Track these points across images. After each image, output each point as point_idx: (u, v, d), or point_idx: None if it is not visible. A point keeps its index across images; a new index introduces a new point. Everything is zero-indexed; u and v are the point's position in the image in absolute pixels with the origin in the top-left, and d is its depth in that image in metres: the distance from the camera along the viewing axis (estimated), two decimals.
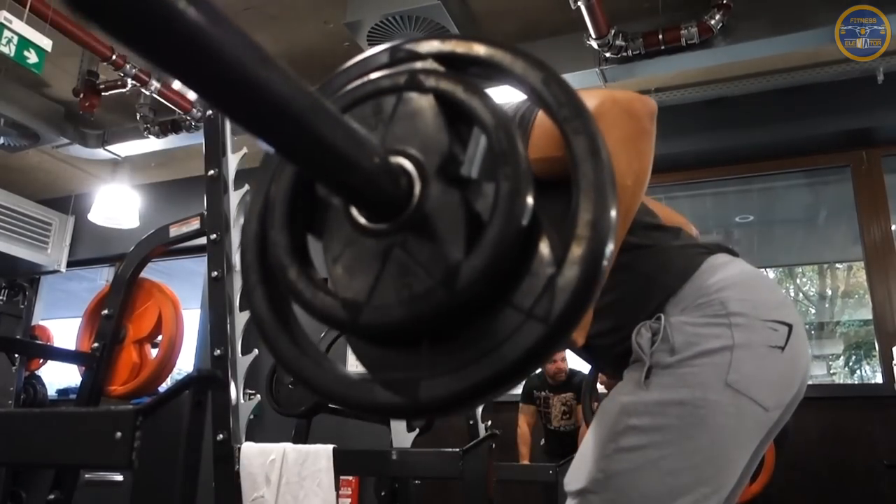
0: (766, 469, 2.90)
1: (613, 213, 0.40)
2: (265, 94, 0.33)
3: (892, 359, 3.32)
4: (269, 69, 0.33)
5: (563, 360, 4.08)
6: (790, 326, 1.05)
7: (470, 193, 0.41)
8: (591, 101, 0.99)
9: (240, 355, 1.90)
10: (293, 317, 0.47)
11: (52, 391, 5.06)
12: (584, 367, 4.17)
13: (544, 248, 0.41)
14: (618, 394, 1.07)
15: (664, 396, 1.00)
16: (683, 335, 1.02)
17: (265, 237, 0.46)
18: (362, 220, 0.43)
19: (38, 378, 4.78)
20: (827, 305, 7.29)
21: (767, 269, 6.82)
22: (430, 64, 0.46)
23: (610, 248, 0.39)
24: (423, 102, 0.43)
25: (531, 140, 1.07)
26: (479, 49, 0.45)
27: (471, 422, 3.34)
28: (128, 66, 3.54)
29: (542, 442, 4.19)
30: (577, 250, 0.39)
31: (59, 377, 5.49)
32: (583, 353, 1.23)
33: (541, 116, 1.06)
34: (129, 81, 3.61)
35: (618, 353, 1.12)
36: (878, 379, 3.78)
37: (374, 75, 0.47)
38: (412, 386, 0.40)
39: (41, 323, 5.64)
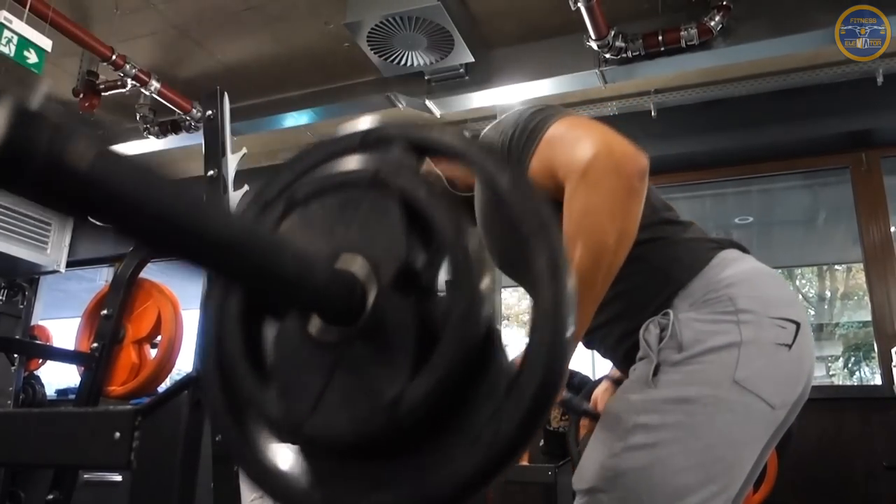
0: (769, 478, 2.87)
1: (568, 337, 0.39)
2: (202, 238, 0.33)
3: (892, 360, 3.32)
4: (203, 215, 0.33)
5: None
6: (798, 324, 1.05)
7: (425, 306, 0.40)
8: (585, 148, 0.99)
9: None
10: (249, 416, 0.46)
11: (51, 391, 5.05)
12: (583, 367, 4.17)
13: (496, 367, 0.40)
14: (626, 391, 1.06)
15: (672, 394, 1.00)
16: (691, 331, 1.02)
17: (221, 339, 0.46)
18: (313, 329, 0.42)
19: (37, 378, 4.78)
20: (826, 307, 7.29)
21: None
22: (397, 158, 0.44)
23: (561, 378, 0.39)
24: (387, 204, 0.42)
25: (534, 157, 1.08)
26: (451, 141, 0.44)
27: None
28: (127, 67, 3.54)
29: (541, 443, 4.18)
30: (527, 379, 0.38)
31: (58, 377, 5.48)
32: (593, 343, 1.23)
33: (545, 140, 1.07)
34: (129, 82, 3.61)
35: (626, 347, 1.12)
36: (877, 381, 3.78)
37: (343, 166, 0.46)
38: (356, 501, 0.40)
39: (40, 323, 5.64)
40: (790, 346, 1.03)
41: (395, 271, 0.41)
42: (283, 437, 0.43)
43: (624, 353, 1.14)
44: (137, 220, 0.31)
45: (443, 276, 0.41)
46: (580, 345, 1.27)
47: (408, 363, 0.39)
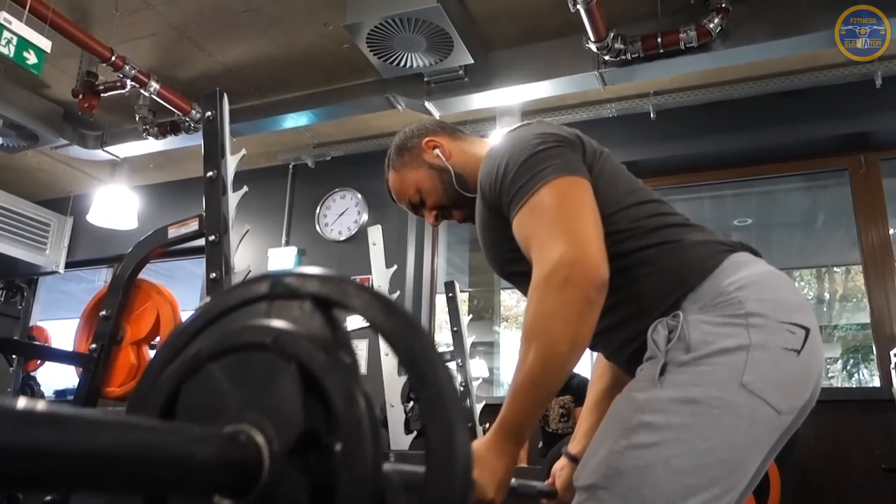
0: (773, 494, 2.82)
1: (463, 491, 0.39)
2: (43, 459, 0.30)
3: (890, 363, 3.32)
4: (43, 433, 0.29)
5: None
6: (808, 330, 1.04)
7: (323, 466, 0.41)
8: (555, 249, 1.03)
9: None
10: None
11: (49, 392, 5.04)
12: (580, 369, 4.17)
13: None
14: (632, 390, 1.06)
15: (678, 394, 1.00)
16: (700, 333, 1.02)
17: None
18: (213, 500, 0.42)
19: (34, 378, 4.77)
20: (825, 309, 7.29)
21: None
22: (302, 316, 0.45)
23: None
24: (285, 370, 0.43)
25: (518, 216, 1.12)
26: (355, 299, 0.45)
27: (469, 424, 3.34)
28: (127, 68, 3.54)
29: (540, 444, 4.18)
30: None
31: (56, 378, 5.47)
32: (599, 345, 1.23)
33: (530, 205, 1.11)
34: (129, 82, 3.61)
35: (632, 348, 1.12)
36: (876, 383, 3.78)
37: (246, 323, 0.47)
38: None
39: (39, 324, 5.63)
40: (799, 352, 1.02)
41: (291, 438, 0.42)
42: None
43: (630, 355, 1.14)
44: None
45: (338, 444, 0.41)
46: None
47: None
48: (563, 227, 1.05)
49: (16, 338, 4.91)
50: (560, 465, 1.48)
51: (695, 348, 1.01)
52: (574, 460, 1.42)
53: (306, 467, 0.41)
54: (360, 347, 4.03)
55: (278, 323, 0.45)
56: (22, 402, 0.29)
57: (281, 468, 0.41)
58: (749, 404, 0.98)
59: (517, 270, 1.21)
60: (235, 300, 0.49)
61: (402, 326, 0.43)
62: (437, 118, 1.52)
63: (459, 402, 0.41)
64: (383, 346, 3.42)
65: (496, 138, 1.34)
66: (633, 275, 1.07)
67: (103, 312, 2.25)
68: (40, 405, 0.29)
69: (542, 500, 1.48)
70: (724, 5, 3.14)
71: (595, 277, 1.01)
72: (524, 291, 1.14)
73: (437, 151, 1.40)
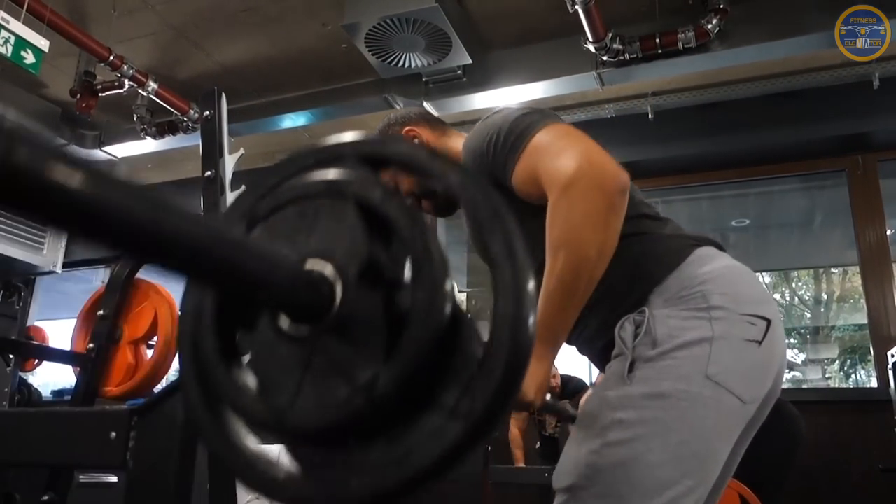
0: None
1: (531, 316, 0.41)
2: (163, 238, 0.34)
3: (888, 363, 3.33)
4: (164, 215, 0.34)
5: (555, 377, 4.09)
6: (769, 321, 1.07)
7: (391, 297, 0.43)
8: (568, 161, 1.03)
9: None
10: (228, 413, 0.48)
11: (47, 392, 5.04)
12: (577, 372, 4.18)
13: (467, 345, 0.42)
14: (602, 388, 1.08)
15: (647, 390, 1.02)
16: (665, 328, 1.04)
17: (198, 335, 0.48)
18: (286, 326, 0.44)
19: (23, 380, 4.76)
20: (822, 310, 7.31)
21: (763, 273, 6.84)
22: (351, 171, 0.47)
23: (529, 347, 0.41)
24: (345, 209, 0.45)
25: (519, 163, 1.12)
26: (401, 150, 0.47)
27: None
28: (125, 67, 3.54)
29: (537, 445, 4.19)
30: (496, 352, 0.40)
31: (55, 378, 5.47)
32: (568, 337, 1.24)
33: (530, 147, 1.10)
34: (126, 82, 3.61)
35: (603, 341, 1.13)
36: (873, 383, 3.79)
37: (301, 180, 0.48)
38: (340, 486, 0.42)
39: (36, 324, 5.62)
40: (760, 343, 1.05)
41: (359, 268, 0.43)
42: (265, 432, 0.45)
43: (601, 348, 1.16)
44: (104, 226, 0.32)
45: (406, 271, 0.43)
46: (574, 349, 1.28)
47: (380, 349, 0.42)
48: (572, 148, 1.06)
49: (13, 338, 4.91)
50: (587, 395, 1.51)
51: (661, 343, 1.03)
52: None
53: (377, 290, 0.43)
54: None
55: (331, 174, 0.47)
56: (157, 196, 0.33)
57: (352, 292, 0.43)
58: (715, 395, 1.00)
59: None
60: (285, 173, 0.50)
61: (447, 164, 0.45)
62: (424, 109, 1.55)
63: (513, 223, 0.43)
64: None
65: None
66: None
67: (101, 312, 2.25)
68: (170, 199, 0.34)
69: (571, 424, 1.51)
70: (722, 6, 3.15)
71: (617, 181, 1.02)
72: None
73: (415, 142, 1.41)
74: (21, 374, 4.71)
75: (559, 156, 1.06)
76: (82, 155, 4.55)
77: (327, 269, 0.44)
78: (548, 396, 3.81)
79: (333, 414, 0.41)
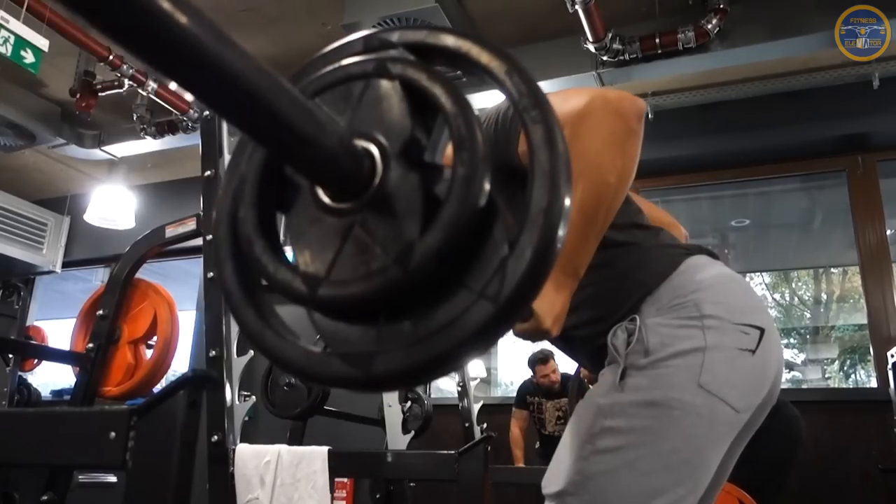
0: None
1: (567, 201, 0.41)
2: (221, 70, 0.34)
3: (887, 363, 3.33)
4: (225, 47, 0.34)
5: (555, 372, 4.09)
6: (762, 330, 1.06)
7: (430, 177, 0.43)
8: (580, 98, 1.02)
9: (235, 356, 1.90)
10: (261, 290, 0.48)
11: (46, 392, 5.04)
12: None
13: (499, 231, 0.43)
14: (593, 395, 1.08)
15: (638, 398, 1.01)
16: (658, 336, 1.03)
17: (236, 213, 0.48)
18: (326, 199, 0.45)
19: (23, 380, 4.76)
20: (822, 310, 7.31)
21: (763, 273, 6.85)
22: (399, 53, 0.47)
23: (561, 234, 0.41)
24: (390, 89, 0.45)
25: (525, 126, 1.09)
26: (447, 40, 0.47)
27: (466, 424, 3.34)
28: (125, 67, 3.54)
29: (537, 445, 4.19)
30: (528, 236, 0.41)
31: (54, 378, 5.47)
32: (561, 344, 1.24)
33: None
34: (126, 82, 3.61)
35: (595, 349, 1.13)
36: (873, 383, 3.79)
37: (345, 62, 0.49)
38: (367, 360, 0.42)
39: (36, 323, 5.62)
40: (754, 352, 1.04)
41: (401, 145, 0.44)
42: (300, 303, 0.45)
43: (592, 355, 1.15)
44: (174, 50, 0.32)
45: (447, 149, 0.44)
46: (553, 344, 1.28)
47: (416, 225, 0.42)
48: (579, 92, 1.04)
49: (13, 337, 4.91)
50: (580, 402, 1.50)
51: (653, 351, 1.02)
52: None
53: (417, 167, 0.43)
54: None
55: (377, 54, 0.47)
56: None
57: (393, 168, 0.43)
58: (707, 404, 1.00)
59: None
60: (334, 57, 0.50)
61: (495, 53, 0.45)
62: None
63: (549, 104, 0.43)
64: None
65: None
66: (594, 276, 1.08)
67: (100, 312, 2.25)
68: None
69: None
70: (721, 6, 3.15)
71: (632, 106, 1.01)
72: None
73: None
74: (21, 373, 4.70)
75: (569, 99, 1.05)
76: (82, 154, 4.55)
77: (370, 145, 0.44)
78: (547, 397, 3.79)
79: (367, 283, 0.42)
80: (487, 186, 0.42)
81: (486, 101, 3.70)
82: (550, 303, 1.03)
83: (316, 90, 0.48)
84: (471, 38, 0.46)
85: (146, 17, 0.30)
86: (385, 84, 0.45)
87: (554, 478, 1.05)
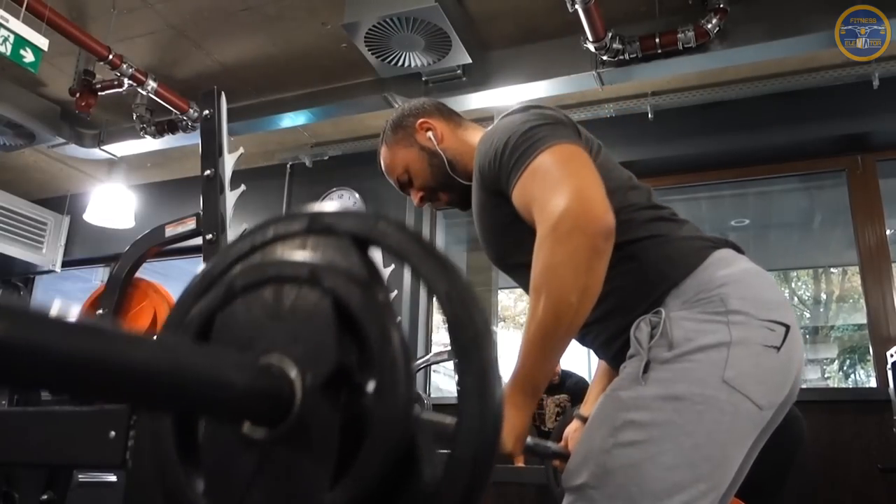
0: None
1: (489, 460, 0.39)
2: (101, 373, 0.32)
3: (887, 363, 3.33)
4: (109, 351, 0.32)
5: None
6: (787, 327, 1.06)
7: (352, 406, 0.41)
8: (558, 200, 1.02)
9: None
10: None
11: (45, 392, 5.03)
12: (577, 368, 4.18)
13: (425, 468, 0.40)
14: (616, 388, 1.07)
15: (662, 391, 1.01)
16: (682, 330, 1.03)
17: (158, 432, 0.46)
18: (246, 426, 0.42)
19: None
20: (821, 309, 7.30)
21: None
22: (339, 252, 0.45)
23: (488, 475, 0.39)
24: (321, 303, 0.42)
25: (518, 184, 1.12)
26: (393, 240, 0.44)
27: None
28: (124, 66, 3.54)
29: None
30: (455, 479, 0.38)
31: None
32: (582, 338, 1.23)
33: (530, 169, 1.10)
34: (126, 81, 3.60)
35: (619, 344, 1.13)
36: (873, 383, 3.79)
37: (281, 255, 0.46)
38: None
39: None
40: (779, 349, 1.04)
41: (323, 375, 0.41)
42: None
43: (616, 350, 1.15)
44: (25, 369, 0.30)
45: (370, 381, 0.41)
46: (576, 342, 1.28)
47: (330, 468, 0.39)
48: (566, 183, 1.05)
49: None
50: (573, 428, 1.49)
51: (677, 345, 1.02)
52: (585, 422, 1.43)
53: (338, 402, 0.41)
54: None
55: (315, 257, 0.45)
56: (70, 317, 0.31)
57: (313, 401, 0.41)
58: (731, 400, 0.99)
59: (517, 262, 1.21)
60: (272, 235, 0.48)
61: (439, 269, 0.42)
62: (439, 101, 1.53)
63: (494, 350, 0.40)
64: None
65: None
66: (619, 269, 1.08)
67: (100, 311, 2.25)
68: (87, 321, 0.32)
69: (555, 461, 1.47)
70: (721, 6, 3.15)
71: (601, 225, 1.00)
72: (524, 286, 1.14)
73: (429, 134, 1.41)
74: None
75: (552, 189, 1.05)
76: (82, 154, 4.55)
77: (290, 370, 0.41)
78: (548, 392, 3.76)
79: None
80: (409, 432, 0.39)
81: (487, 100, 3.70)
82: (511, 425, 1.02)
83: (247, 285, 0.45)
84: (418, 241, 0.43)
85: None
86: (317, 296, 0.43)
87: (575, 471, 1.05)
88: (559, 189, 1.04)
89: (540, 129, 1.15)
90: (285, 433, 0.41)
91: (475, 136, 1.40)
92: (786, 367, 1.06)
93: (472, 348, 0.40)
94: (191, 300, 0.48)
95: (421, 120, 1.43)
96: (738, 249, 1.18)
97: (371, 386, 0.40)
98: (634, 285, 1.10)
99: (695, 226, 1.21)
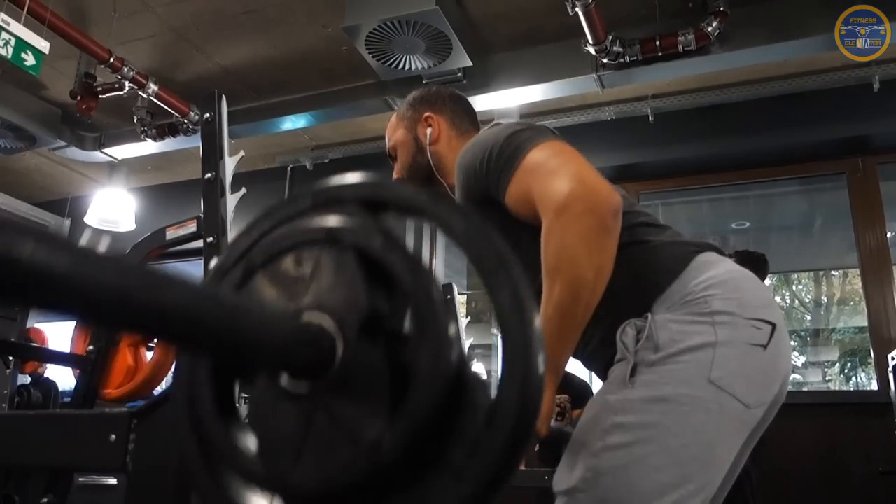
0: None
1: (541, 369, 0.39)
2: (154, 312, 0.34)
3: (888, 366, 3.33)
4: (157, 291, 0.34)
5: None
6: (774, 325, 1.06)
7: (395, 349, 0.41)
8: (560, 186, 1.03)
9: None
10: (225, 471, 0.46)
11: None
12: (576, 369, 4.17)
13: (473, 403, 0.40)
14: (604, 392, 1.08)
15: (649, 394, 1.01)
16: (668, 332, 1.03)
17: (193, 392, 0.46)
18: (285, 382, 0.43)
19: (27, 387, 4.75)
20: (822, 312, 7.31)
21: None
22: (350, 214, 0.45)
23: (538, 406, 0.39)
24: (344, 258, 0.43)
25: (512, 182, 1.12)
26: (403, 196, 0.45)
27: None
28: (125, 69, 3.54)
29: (536, 448, 4.17)
30: (504, 412, 0.39)
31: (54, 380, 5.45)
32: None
33: (523, 166, 1.11)
34: (127, 84, 3.61)
35: (608, 355, 1.13)
36: (874, 386, 3.78)
37: (296, 226, 0.47)
38: None
39: (36, 326, 5.62)
40: (765, 347, 1.04)
41: (359, 321, 0.42)
42: (265, 493, 0.44)
43: (606, 362, 1.14)
44: (86, 302, 0.32)
45: (408, 322, 0.41)
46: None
47: (383, 407, 0.40)
48: (564, 169, 1.06)
49: (13, 340, 4.90)
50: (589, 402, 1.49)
51: (663, 347, 1.03)
52: None
53: (380, 349, 0.41)
54: None
55: (329, 220, 0.45)
56: (147, 268, 0.35)
57: (355, 347, 0.41)
58: (718, 399, 1.00)
59: None
60: (282, 216, 0.48)
61: (452, 211, 0.43)
62: (458, 93, 1.54)
63: (520, 269, 0.41)
64: None
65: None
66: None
67: None
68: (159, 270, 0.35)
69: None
70: (722, 9, 3.15)
71: (608, 204, 1.01)
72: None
73: (428, 130, 1.42)
74: (28, 373, 4.70)
75: (551, 177, 1.05)
76: (82, 157, 4.55)
77: (327, 322, 0.42)
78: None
79: (336, 477, 0.40)
80: (455, 363, 0.39)
81: (488, 103, 3.70)
82: None
83: (265, 259, 0.46)
84: (427, 193, 0.44)
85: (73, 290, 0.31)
86: (339, 253, 0.43)
87: (565, 475, 1.05)
88: (559, 176, 1.05)
89: (522, 132, 1.17)
90: (331, 383, 0.41)
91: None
92: (773, 365, 1.06)
93: (500, 269, 0.40)
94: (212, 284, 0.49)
95: (428, 113, 1.45)
96: (720, 252, 1.19)
97: (409, 324, 0.41)
98: (621, 294, 1.10)
99: (675, 230, 1.22)
